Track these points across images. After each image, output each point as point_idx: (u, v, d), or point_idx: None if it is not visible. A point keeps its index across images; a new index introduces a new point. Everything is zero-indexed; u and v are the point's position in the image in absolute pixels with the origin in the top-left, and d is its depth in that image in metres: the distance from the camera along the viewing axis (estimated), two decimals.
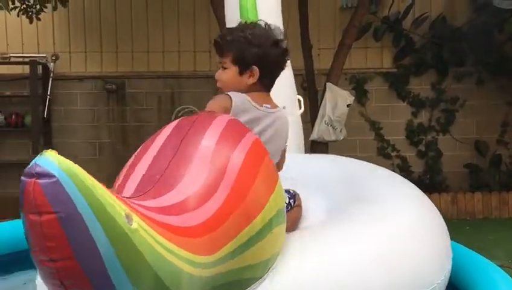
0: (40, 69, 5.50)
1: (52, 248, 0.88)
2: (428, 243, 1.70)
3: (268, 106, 1.71)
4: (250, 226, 1.24)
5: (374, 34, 5.66)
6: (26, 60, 5.46)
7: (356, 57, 5.58)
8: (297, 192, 1.87)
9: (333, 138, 4.73)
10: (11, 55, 5.58)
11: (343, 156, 2.67)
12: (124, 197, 1.06)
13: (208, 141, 1.29)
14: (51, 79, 5.56)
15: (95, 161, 5.69)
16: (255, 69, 1.68)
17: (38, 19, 4.78)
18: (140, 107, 5.77)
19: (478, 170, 5.63)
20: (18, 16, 4.72)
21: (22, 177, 0.88)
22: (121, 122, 5.76)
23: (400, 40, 5.69)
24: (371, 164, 2.24)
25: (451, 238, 2.09)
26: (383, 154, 5.74)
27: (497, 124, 5.72)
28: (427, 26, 5.70)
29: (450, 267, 1.76)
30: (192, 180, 1.20)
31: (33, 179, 0.87)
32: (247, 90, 1.69)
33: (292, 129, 1.85)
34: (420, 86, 5.77)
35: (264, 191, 1.32)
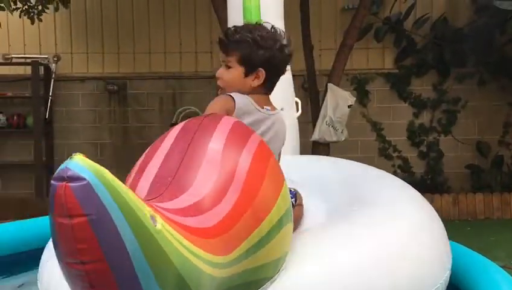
0: (41, 70, 5.51)
1: (83, 250, 0.89)
2: (429, 246, 1.71)
3: (269, 108, 1.72)
4: (260, 227, 1.25)
5: (376, 34, 5.65)
6: (28, 60, 5.47)
7: (357, 58, 5.58)
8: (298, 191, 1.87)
9: (334, 138, 4.73)
10: (13, 56, 5.60)
11: (344, 156, 2.68)
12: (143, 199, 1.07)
13: (216, 143, 1.30)
14: (52, 80, 5.57)
15: (96, 162, 5.68)
16: (262, 71, 1.67)
17: (40, 20, 4.79)
18: (142, 108, 5.77)
19: (480, 171, 5.63)
20: (20, 16, 4.72)
21: (52, 182, 0.88)
22: (123, 123, 5.77)
23: (401, 40, 5.68)
24: (370, 166, 2.24)
25: (453, 239, 2.09)
26: (385, 155, 5.74)
27: (499, 124, 5.71)
28: (429, 27, 5.70)
29: (450, 269, 1.76)
30: (203, 182, 1.21)
31: (64, 183, 0.87)
32: (249, 92, 1.69)
33: (288, 131, 1.85)
34: (421, 87, 5.76)
35: (272, 191, 1.34)
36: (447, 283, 1.73)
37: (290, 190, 1.82)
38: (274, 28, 1.74)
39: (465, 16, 5.68)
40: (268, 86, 1.72)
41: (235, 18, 2.42)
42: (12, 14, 4.45)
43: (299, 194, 1.87)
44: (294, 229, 1.69)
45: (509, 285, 1.75)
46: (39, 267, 1.79)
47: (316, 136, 4.73)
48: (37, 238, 2.25)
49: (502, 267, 1.98)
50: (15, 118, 5.54)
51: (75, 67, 5.74)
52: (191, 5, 5.72)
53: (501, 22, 5.25)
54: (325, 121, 4.67)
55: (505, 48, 5.50)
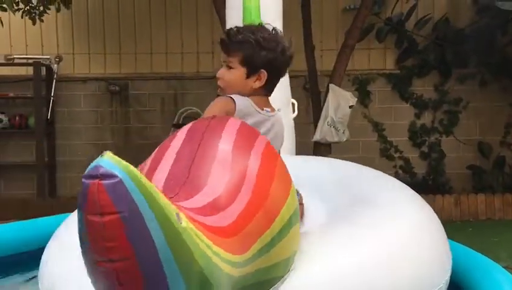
0: (43, 70, 5.52)
1: (113, 248, 0.89)
2: (431, 247, 1.71)
3: (269, 109, 1.72)
4: (272, 226, 1.26)
5: (377, 35, 5.65)
6: (30, 61, 5.48)
7: (359, 58, 5.58)
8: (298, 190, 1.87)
9: (336, 139, 4.73)
10: (15, 56, 5.60)
11: (345, 157, 2.68)
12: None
13: (225, 144, 1.31)
14: (54, 80, 5.58)
15: None
16: (263, 73, 1.67)
17: (41, 21, 4.80)
18: (144, 108, 5.78)
19: (481, 172, 5.62)
20: (22, 17, 4.74)
21: (83, 180, 0.88)
22: (124, 124, 5.77)
23: (402, 41, 5.68)
24: (365, 167, 2.24)
25: (455, 240, 2.09)
26: (386, 155, 5.74)
27: (501, 125, 5.71)
28: (430, 28, 5.69)
29: (450, 270, 1.76)
30: (216, 182, 1.22)
31: (97, 180, 0.87)
32: (250, 93, 1.68)
33: (285, 132, 1.85)
34: (423, 88, 5.76)
35: (281, 191, 1.35)
36: (448, 283, 1.73)
37: None
38: (275, 30, 1.73)
39: (466, 16, 5.68)
40: (268, 87, 1.72)
41: (234, 18, 2.41)
42: (14, 14, 4.46)
43: (300, 194, 1.87)
44: None
45: None
46: (40, 267, 1.79)
47: (317, 136, 4.73)
48: (39, 239, 2.26)
49: (504, 267, 1.98)
50: (17, 118, 5.55)
51: (76, 67, 5.75)
52: (193, 5, 5.72)
53: (503, 22, 5.25)
54: (326, 122, 4.68)
55: (506, 48, 5.50)
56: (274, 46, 1.68)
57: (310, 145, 4.76)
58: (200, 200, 1.16)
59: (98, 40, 5.74)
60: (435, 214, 1.91)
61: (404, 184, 2.08)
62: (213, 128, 1.36)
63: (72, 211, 2.04)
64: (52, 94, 5.54)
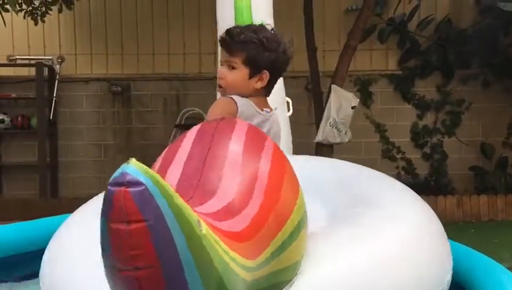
0: (46, 71, 5.53)
1: (138, 256, 0.88)
2: (434, 247, 1.70)
3: (268, 110, 1.72)
4: (283, 229, 1.26)
5: (379, 36, 5.65)
6: (32, 62, 5.49)
7: (361, 59, 5.57)
8: None
9: (338, 140, 4.73)
10: (18, 57, 5.62)
11: (347, 158, 2.67)
12: None
13: (235, 146, 1.30)
14: (56, 81, 5.59)
15: (100, 163, 5.71)
16: (266, 73, 1.66)
17: (43, 21, 4.81)
18: (146, 109, 5.78)
19: (484, 173, 5.61)
20: (24, 18, 4.75)
21: (109, 187, 0.87)
22: (126, 124, 5.78)
23: (405, 42, 5.68)
24: (369, 168, 2.24)
25: (457, 241, 2.08)
26: (388, 156, 5.73)
27: (503, 126, 5.70)
28: (433, 28, 5.69)
29: (451, 271, 1.76)
30: (229, 185, 1.21)
31: (123, 188, 0.86)
32: (251, 94, 1.68)
33: (281, 131, 1.85)
34: (425, 88, 5.75)
35: (291, 193, 1.35)
36: (449, 284, 1.73)
37: None
38: (274, 30, 1.73)
39: (469, 17, 5.67)
40: (269, 88, 1.72)
41: (225, 18, 2.38)
42: (17, 14, 4.47)
43: None
44: None
45: None
46: (41, 267, 1.79)
47: (319, 137, 4.73)
48: (40, 239, 2.26)
49: (507, 269, 1.97)
50: (19, 119, 5.56)
51: (79, 68, 5.76)
52: (195, 6, 5.72)
53: (505, 23, 5.24)
54: (328, 122, 4.67)
55: (509, 49, 5.49)
56: (276, 47, 1.67)
57: (312, 146, 4.76)
58: (214, 205, 1.16)
59: (100, 40, 5.74)
60: (435, 215, 1.91)
61: (404, 185, 2.07)
62: (222, 130, 1.35)
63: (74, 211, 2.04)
64: (54, 95, 5.55)
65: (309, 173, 2.05)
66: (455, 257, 1.85)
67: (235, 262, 1.05)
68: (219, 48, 2.11)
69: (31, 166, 5.50)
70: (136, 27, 5.76)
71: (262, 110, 1.69)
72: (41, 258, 1.82)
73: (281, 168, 1.36)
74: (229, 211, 1.16)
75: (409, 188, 2.04)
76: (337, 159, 2.49)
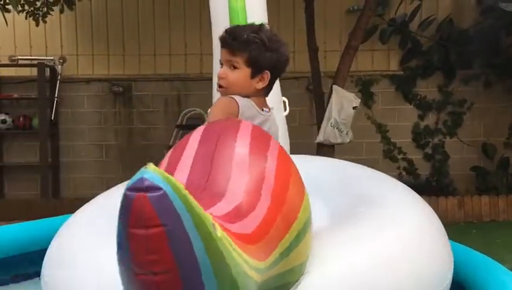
0: (47, 71, 5.53)
1: (157, 261, 0.88)
2: (432, 249, 1.70)
3: (267, 109, 1.72)
4: (291, 230, 1.27)
5: (381, 36, 5.65)
6: (34, 62, 5.50)
7: (362, 60, 5.57)
8: None
9: (339, 140, 4.73)
10: (19, 57, 5.62)
11: (349, 158, 2.67)
12: None
13: (241, 147, 1.30)
14: (58, 81, 5.60)
15: (101, 163, 5.72)
16: (267, 73, 1.66)
17: (45, 22, 4.82)
18: (147, 109, 5.79)
19: (485, 173, 5.61)
20: (26, 18, 4.75)
21: (127, 192, 0.87)
22: (128, 125, 5.78)
23: (406, 42, 5.68)
24: (370, 169, 2.23)
25: (459, 242, 2.08)
26: (389, 156, 5.73)
27: (505, 126, 5.69)
28: (434, 29, 5.68)
29: (452, 272, 1.76)
30: (236, 187, 1.22)
31: (142, 193, 0.86)
32: (252, 94, 1.68)
33: (279, 131, 1.85)
34: (427, 89, 5.75)
35: (297, 194, 1.35)
36: (450, 285, 1.74)
37: None
38: (271, 30, 1.73)
39: (470, 17, 5.67)
40: (269, 88, 1.72)
41: (219, 19, 2.37)
42: (19, 14, 4.48)
43: None
44: None
45: None
46: (42, 268, 1.80)
47: (320, 137, 4.73)
48: (42, 239, 2.26)
49: (509, 269, 1.97)
50: (21, 119, 5.57)
51: (80, 69, 5.77)
52: (196, 7, 5.72)
53: (507, 23, 5.23)
54: (329, 123, 4.67)
55: (510, 49, 5.48)
56: (277, 47, 1.67)
57: (313, 147, 4.76)
58: (223, 207, 1.16)
59: (101, 41, 5.75)
60: (436, 216, 1.91)
61: (405, 186, 2.07)
62: (227, 130, 1.35)
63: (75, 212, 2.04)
64: (56, 95, 5.56)
65: (310, 173, 2.05)
66: (456, 258, 1.85)
67: (248, 264, 1.06)
68: (213, 48, 2.09)
69: (33, 166, 5.51)
70: (138, 28, 5.77)
71: (262, 110, 1.70)
72: (42, 259, 1.83)
73: (286, 169, 1.36)
74: (238, 213, 1.16)
75: (411, 189, 2.04)
76: (339, 160, 2.49)
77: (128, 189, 0.87)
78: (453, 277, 1.78)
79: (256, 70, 1.65)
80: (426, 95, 5.74)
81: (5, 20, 4.36)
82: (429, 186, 5.52)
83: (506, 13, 4.88)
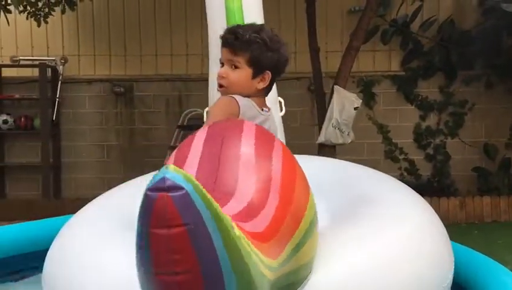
0: (49, 72, 5.54)
1: (178, 260, 0.88)
2: (433, 250, 1.70)
3: (267, 109, 1.72)
4: (299, 228, 1.28)
5: (382, 37, 5.64)
6: (36, 63, 5.51)
7: (364, 60, 5.57)
8: None
9: (341, 141, 4.72)
10: (21, 58, 5.63)
11: (350, 159, 2.67)
12: None
13: (247, 147, 1.30)
14: (59, 82, 5.60)
15: (103, 164, 5.72)
16: (268, 74, 1.66)
17: (46, 22, 4.82)
18: (148, 109, 5.79)
19: (487, 174, 5.60)
20: (27, 18, 4.76)
21: (149, 192, 0.87)
22: (129, 125, 5.79)
23: (407, 43, 5.67)
24: (371, 169, 2.23)
25: (460, 243, 2.08)
26: (391, 157, 5.72)
27: (506, 127, 5.69)
28: (435, 29, 5.68)
29: (453, 271, 1.76)
30: (245, 187, 1.22)
31: (164, 193, 0.86)
32: (253, 94, 1.68)
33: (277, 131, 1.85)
34: (428, 89, 5.75)
35: (303, 194, 1.36)
36: (451, 284, 1.74)
37: None
38: (272, 30, 1.73)
39: (472, 18, 5.66)
40: (269, 88, 1.72)
41: (216, 19, 2.35)
42: (20, 14, 4.49)
43: None
44: None
45: None
46: (43, 268, 1.80)
47: (322, 138, 4.72)
48: (43, 240, 2.26)
49: (511, 270, 1.96)
50: (22, 119, 5.57)
51: (82, 69, 5.77)
52: (198, 7, 5.72)
53: (508, 24, 5.22)
54: (331, 123, 4.67)
55: None
56: (278, 47, 1.68)
57: (315, 147, 4.75)
58: (234, 206, 1.16)
59: (103, 41, 5.75)
60: (437, 216, 1.91)
61: (407, 186, 2.07)
62: (231, 131, 1.35)
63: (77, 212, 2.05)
64: (57, 95, 5.56)
65: (312, 173, 2.05)
66: (457, 259, 1.84)
67: (262, 263, 1.06)
68: (209, 48, 2.08)
69: (34, 167, 5.51)
70: (139, 28, 5.77)
71: (262, 110, 1.70)
72: (44, 259, 1.83)
73: (292, 168, 1.37)
74: (249, 212, 1.16)
75: (412, 189, 2.04)
76: (340, 160, 2.49)
77: (150, 189, 0.87)
78: (454, 278, 1.78)
79: (257, 70, 1.65)
80: (427, 95, 5.73)
81: (7, 21, 4.37)
82: (431, 187, 5.52)
83: (507, 14, 4.87)
